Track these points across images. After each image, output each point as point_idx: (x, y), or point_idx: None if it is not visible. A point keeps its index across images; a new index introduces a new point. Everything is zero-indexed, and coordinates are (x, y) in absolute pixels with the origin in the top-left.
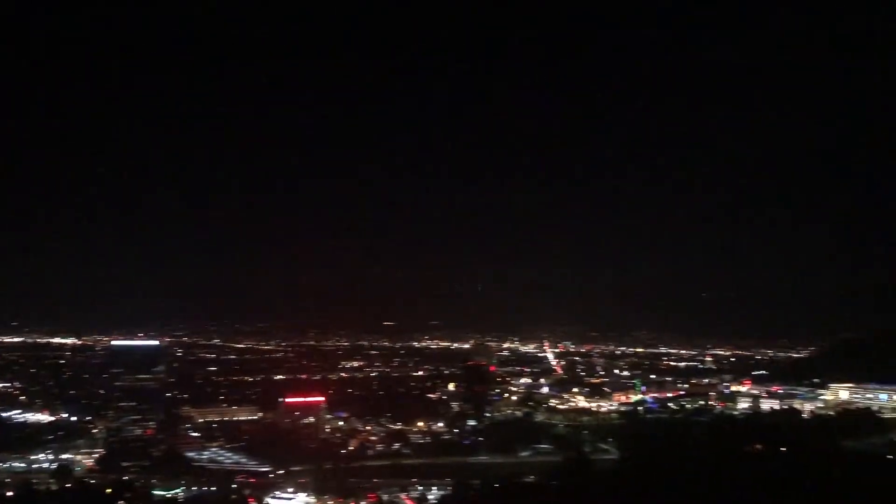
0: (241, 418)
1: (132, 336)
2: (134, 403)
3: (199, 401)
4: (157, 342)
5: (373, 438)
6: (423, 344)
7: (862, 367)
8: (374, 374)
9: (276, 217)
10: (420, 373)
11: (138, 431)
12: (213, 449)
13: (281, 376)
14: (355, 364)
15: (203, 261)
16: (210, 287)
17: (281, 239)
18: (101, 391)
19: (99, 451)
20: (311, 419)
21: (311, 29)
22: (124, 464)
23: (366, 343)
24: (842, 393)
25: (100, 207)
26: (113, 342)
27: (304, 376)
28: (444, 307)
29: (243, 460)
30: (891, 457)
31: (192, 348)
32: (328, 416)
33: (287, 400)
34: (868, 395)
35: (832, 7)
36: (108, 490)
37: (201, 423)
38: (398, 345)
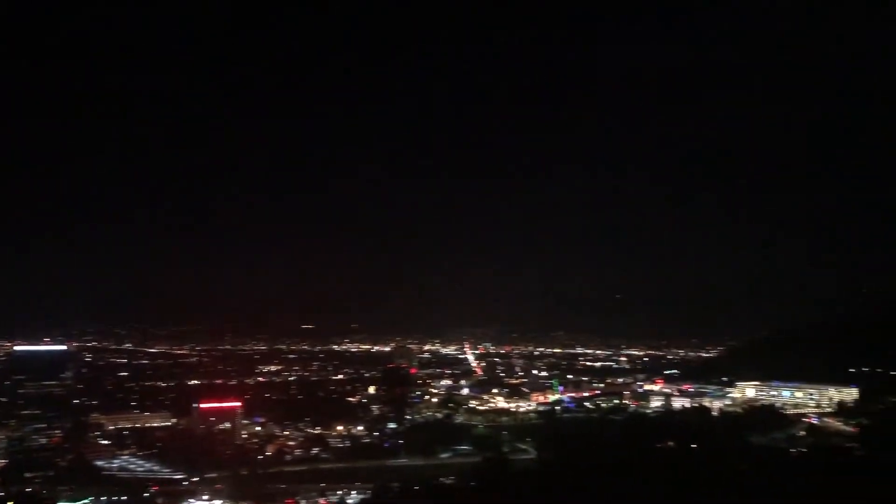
0: (154, 425)
1: (37, 341)
2: (38, 411)
3: (110, 407)
4: (63, 347)
5: (291, 443)
6: (344, 347)
7: (767, 365)
8: (292, 378)
9: (190, 217)
10: (340, 376)
11: (43, 440)
12: (125, 457)
13: (196, 381)
14: (273, 368)
15: (114, 262)
16: (121, 289)
17: (196, 240)
18: (3, 399)
19: (0, 462)
20: (227, 425)
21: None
22: (28, 475)
23: (284, 347)
24: (748, 390)
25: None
26: (16, 347)
27: (219, 381)
28: (365, 310)
29: (156, 468)
30: (793, 450)
31: (102, 353)
32: (245, 422)
33: (202, 405)
34: (772, 393)
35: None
36: (11, 503)
37: (112, 430)
38: (317, 348)
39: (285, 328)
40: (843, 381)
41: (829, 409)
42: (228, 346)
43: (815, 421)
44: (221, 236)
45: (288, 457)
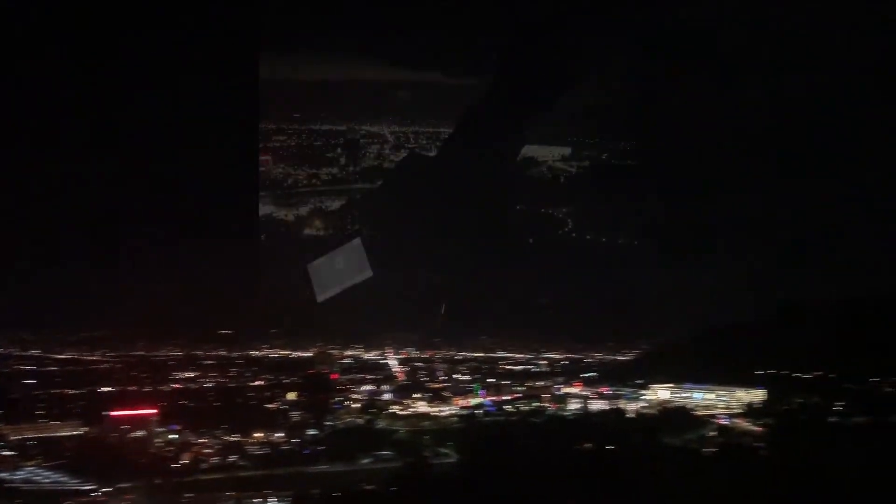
0: (62, 434)
1: None
2: None
3: (14, 417)
4: None
5: (207, 451)
6: (262, 353)
7: (679, 368)
8: (209, 385)
9: (99, 213)
10: (259, 382)
11: None
12: (30, 468)
13: (108, 388)
14: (189, 375)
15: (21, 263)
16: (28, 292)
17: (106, 238)
18: None
19: None
20: (141, 433)
21: None
22: None
23: (200, 353)
24: (662, 393)
25: None
26: None
27: (133, 388)
28: (284, 314)
29: (64, 479)
30: (704, 451)
31: (6, 360)
32: (159, 430)
33: (114, 413)
34: (685, 395)
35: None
36: None
37: (15, 440)
38: (235, 354)
39: (202, 333)
40: (751, 383)
41: (738, 411)
42: (142, 352)
43: (724, 422)
44: (136, 236)
45: (204, 465)
